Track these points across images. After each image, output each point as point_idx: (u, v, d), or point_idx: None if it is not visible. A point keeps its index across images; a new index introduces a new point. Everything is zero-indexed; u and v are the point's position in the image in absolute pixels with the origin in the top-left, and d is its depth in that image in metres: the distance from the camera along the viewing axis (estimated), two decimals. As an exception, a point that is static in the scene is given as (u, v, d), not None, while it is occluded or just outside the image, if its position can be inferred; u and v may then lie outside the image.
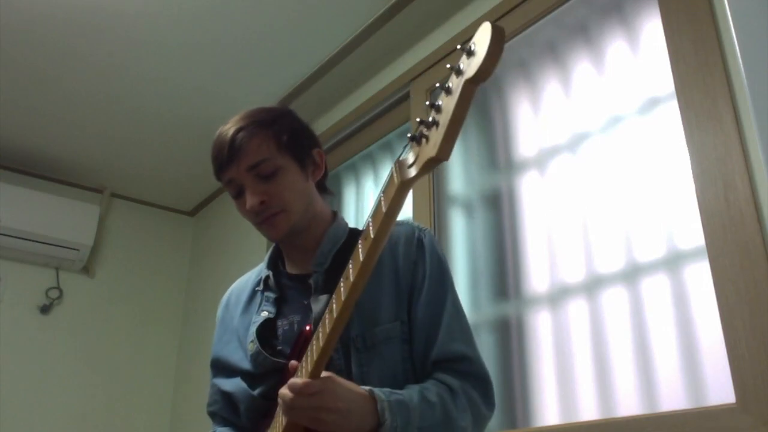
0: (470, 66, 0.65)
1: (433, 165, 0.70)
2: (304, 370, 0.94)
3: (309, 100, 2.69)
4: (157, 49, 2.48)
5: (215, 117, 2.85)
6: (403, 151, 0.76)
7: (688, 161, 1.39)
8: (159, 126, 2.99)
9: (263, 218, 1.12)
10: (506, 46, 2.15)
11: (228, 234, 3.39)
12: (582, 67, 1.76)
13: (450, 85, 0.68)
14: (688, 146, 1.40)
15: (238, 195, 1.14)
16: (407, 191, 0.77)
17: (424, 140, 0.71)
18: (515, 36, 1.95)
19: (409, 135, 0.74)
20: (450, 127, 0.67)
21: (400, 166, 0.76)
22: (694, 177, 1.37)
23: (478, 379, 1.07)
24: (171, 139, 3.09)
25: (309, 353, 0.93)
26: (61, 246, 3.16)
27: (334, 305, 0.88)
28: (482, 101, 2.08)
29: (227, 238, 3.39)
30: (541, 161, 1.81)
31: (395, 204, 0.77)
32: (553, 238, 1.71)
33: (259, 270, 1.28)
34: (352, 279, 0.84)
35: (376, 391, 0.95)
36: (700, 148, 1.37)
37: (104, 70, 2.60)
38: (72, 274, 3.35)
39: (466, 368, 1.06)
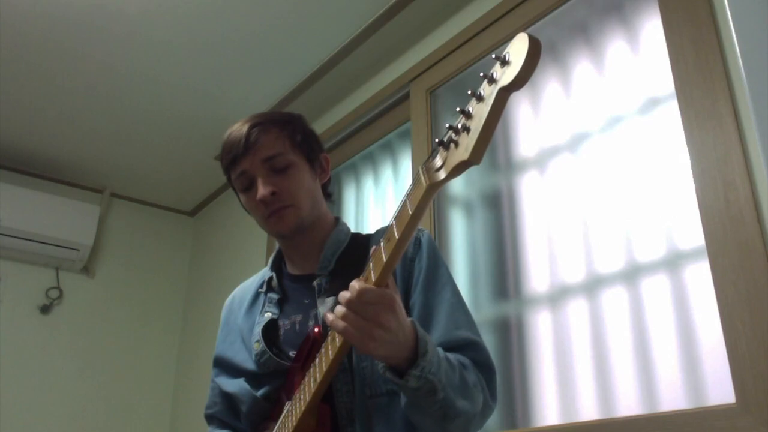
0: (505, 74, 0.66)
1: (464, 168, 0.70)
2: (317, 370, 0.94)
3: (309, 100, 2.69)
4: (157, 49, 2.48)
5: (215, 117, 2.86)
6: (430, 156, 0.76)
7: (688, 161, 1.39)
8: (159, 126, 2.99)
9: (272, 210, 1.13)
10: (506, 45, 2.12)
11: (228, 234, 3.39)
12: (582, 67, 1.76)
13: (482, 92, 0.69)
14: (688, 146, 1.40)
15: (248, 188, 1.16)
16: (435, 194, 0.77)
17: (452, 145, 0.71)
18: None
19: (437, 140, 0.74)
20: (483, 132, 0.67)
21: (428, 169, 0.76)
22: (694, 177, 1.37)
23: (484, 367, 1.06)
24: (171, 139, 3.09)
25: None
26: (61, 246, 3.17)
27: None
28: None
29: (227, 238, 3.39)
30: (541, 161, 1.81)
31: (422, 206, 0.77)
32: (553, 238, 1.71)
33: (262, 273, 1.30)
34: (374, 278, 0.84)
35: (415, 322, 0.93)
36: (700, 148, 1.37)
37: (104, 69, 2.60)
38: (72, 274, 3.35)
39: (473, 355, 1.05)
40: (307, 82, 2.63)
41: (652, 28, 1.58)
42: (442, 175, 0.73)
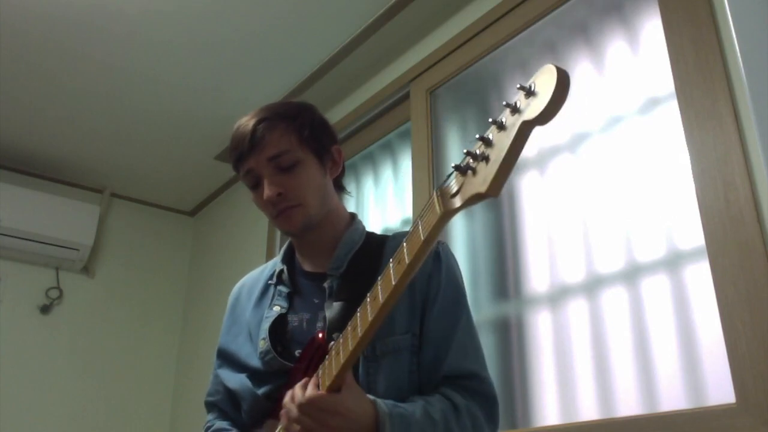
0: (530, 107, 0.63)
1: (480, 200, 0.68)
2: (321, 382, 0.93)
3: (309, 101, 2.68)
4: (157, 48, 2.48)
5: (215, 117, 2.86)
6: (446, 180, 0.74)
7: (688, 161, 1.39)
8: (159, 126, 2.99)
9: (279, 210, 1.11)
10: (506, 46, 2.13)
11: (228, 234, 3.39)
12: (582, 67, 1.76)
13: (503, 120, 0.66)
14: (688, 146, 1.40)
15: (256, 186, 1.14)
16: (448, 221, 0.76)
17: (470, 172, 0.69)
18: (515, 36, 1.95)
19: (453, 165, 0.72)
20: (503, 165, 0.65)
21: (443, 194, 0.74)
22: (694, 177, 1.37)
23: (486, 399, 1.06)
24: (171, 138, 3.09)
25: (327, 365, 0.93)
26: (61, 246, 3.17)
27: (359, 324, 0.87)
28: (482, 101, 2.08)
29: (227, 238, 3.39)
30: (541, 161, 1.81)
31: (435, 232, 0.76)
32: (553, 238, 1.71)
33: (273, 264, 1.27)
34: (381, 300, 0.83)
35: (380, 402, 0.95)
36: (700, 148, 1.37)
37: (105, 69, 2.60)
38: (72, 274, 3.35)
39: (475, 387, 1.06)
40: (307, 82, 2.63)
41: (652, 28, 1.58)
42: (457, 203, 0.71)
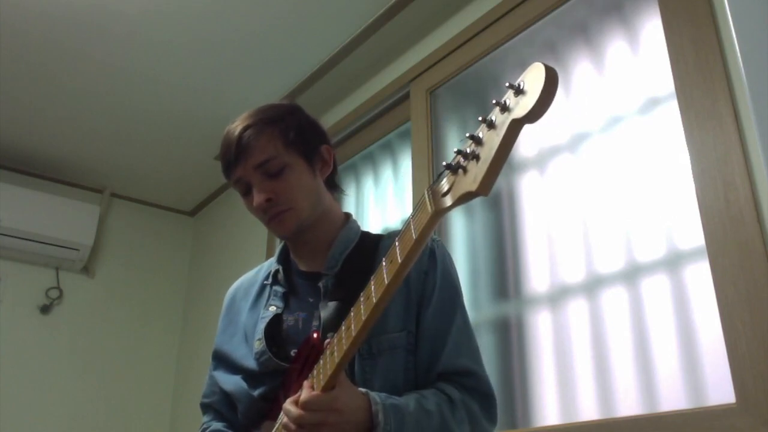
0: (519, 105, 0.63)
1: (470, 198, 0.69)
2: (316, 381, 0.94)
3: (309, 101, 2.69)
4: (157, 48, 2.48)
5: (215, 117, 2.86)
6: (437, 179, 0.75)
7: (688, 161, 1.39)
8: (159, 126, 2.99)
9: (271, 216, 1.12)
10: (506, 46, 2.13)
11: (228, 234, 3.39)
12: (582, 67, 1.76)
13: (493, 119, 0.66)
14: (688, 146, 1.40)
15: (247, 193, 1.14)
16: (439, 220, 0.76)
17: (461, 171, 0.70)
18: (515, 36, 1.95)
19: (444, 163, 0.72)
20: (493, 163, 0.65)
21: (434, 193, 0.74)
22: (694, 177, 1.37)
23: (483, 395, 1.07)
24: (171, 139, 3.09)
25: (322, 365, 0.93)
26: (61, 246, 3.17)
27: (353, 323, 0.87)
28: (482, 101, 2.08)
29: (227, 238, 3.39)
30: (541, 161, 1.81)
31: (426, 231, 0.76)
32: (553, 238, 1.71)
33: (269, 264, 1.27)
34: (375, 300, 0.83)
35: (372, 394, 0.96)
36: (700, 148, 1.37)
37: (105, 69, 2.60)
38: (72, 274, 3.35)
39: (472, 384, 1.06)
40: (307, 82, 2.63)
41: (652, 28, 1.58)
42: (448, 201, 0.71)
